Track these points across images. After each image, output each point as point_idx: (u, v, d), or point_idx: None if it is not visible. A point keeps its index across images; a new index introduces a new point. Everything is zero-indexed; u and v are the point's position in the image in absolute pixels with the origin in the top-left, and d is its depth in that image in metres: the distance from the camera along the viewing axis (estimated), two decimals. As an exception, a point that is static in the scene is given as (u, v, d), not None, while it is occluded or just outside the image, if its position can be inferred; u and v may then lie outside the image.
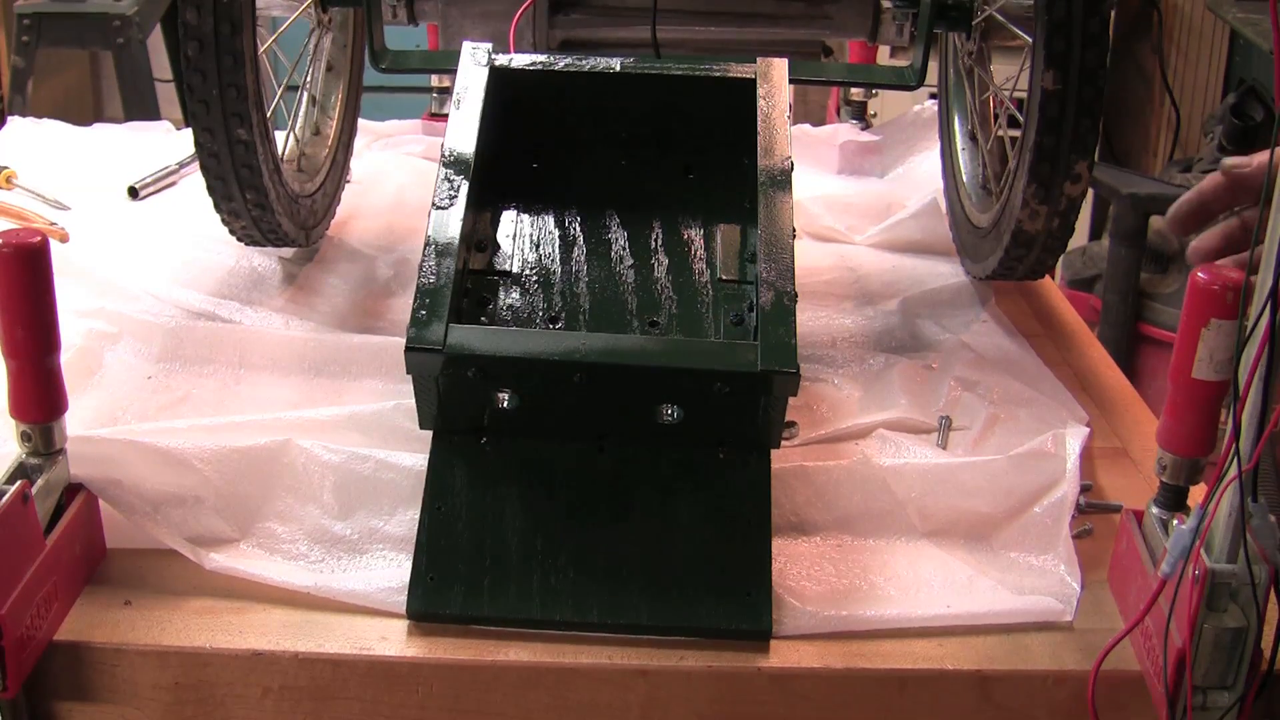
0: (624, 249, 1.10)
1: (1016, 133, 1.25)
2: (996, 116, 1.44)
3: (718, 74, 1.15)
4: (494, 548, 0.92)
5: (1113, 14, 1.15)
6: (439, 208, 1.01)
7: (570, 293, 1.06)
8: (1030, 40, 1.19)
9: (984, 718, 0.89)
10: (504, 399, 0.93)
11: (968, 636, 0.91)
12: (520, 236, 1.11)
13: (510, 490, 0.94)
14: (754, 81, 1.13)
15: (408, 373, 0.93)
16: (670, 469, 0.95)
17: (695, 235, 1.11)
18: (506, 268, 1.08)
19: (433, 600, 0.90)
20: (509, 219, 1.13)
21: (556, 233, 1.12)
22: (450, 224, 0.99)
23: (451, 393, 0.94)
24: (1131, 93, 3.54)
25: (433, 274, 0.95)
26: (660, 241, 1.11)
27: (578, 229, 1.12)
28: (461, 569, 0.91)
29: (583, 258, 1.09)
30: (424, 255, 0.97)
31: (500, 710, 0.89)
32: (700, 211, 1.13)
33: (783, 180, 1.04)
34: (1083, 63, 1.12)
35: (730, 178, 1.13)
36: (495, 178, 1.11)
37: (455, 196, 1.01)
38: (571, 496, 0.94)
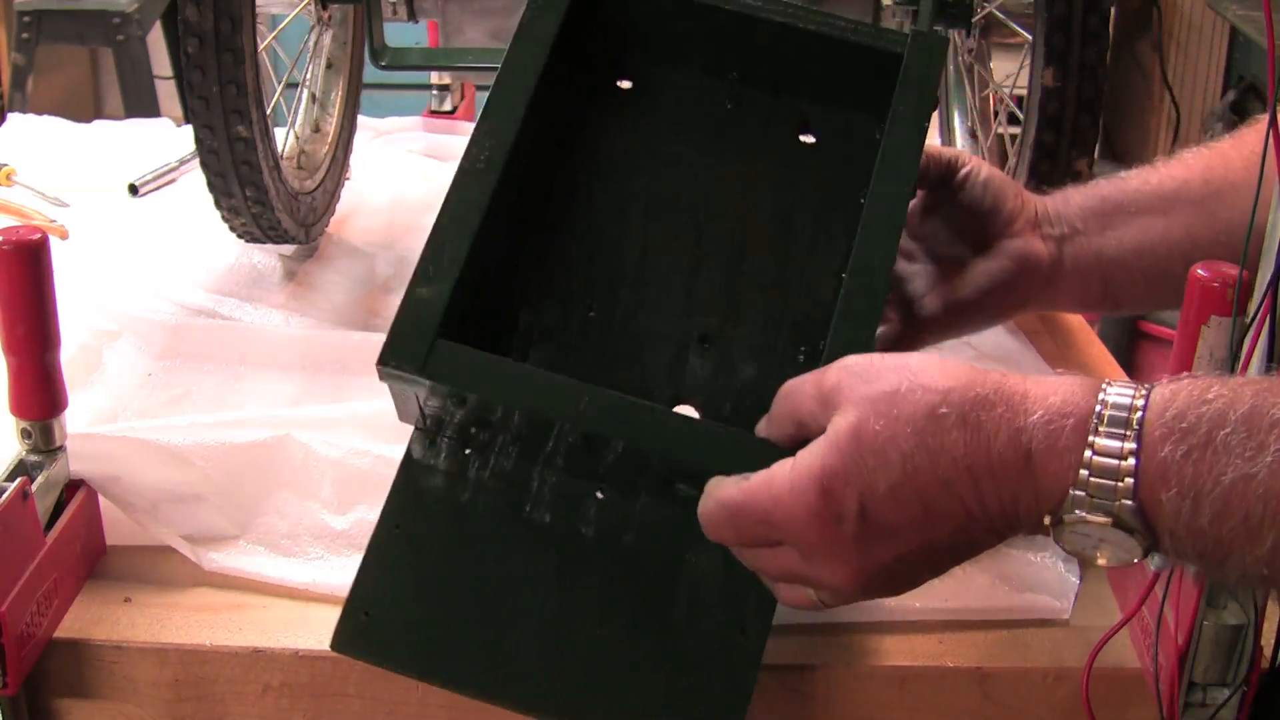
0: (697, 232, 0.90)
1: (1016, 130, 1.25)
2: (996, 114, 1.44)
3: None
4: (446, 597, 0.80)
5: (1113, 11, 1.15)
6: (464, 171, 0.81)
7: (621, 270, 0.88)
8: (1030, 37, 1.19)
9: (983, 714, 0.89)
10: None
11: (967, 633, 0.91)
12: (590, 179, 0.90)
13: (484, 531, 0.81)
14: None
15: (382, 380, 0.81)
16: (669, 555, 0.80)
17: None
18: (556, 225, 0.89)
19: (360, 641, 0.79)
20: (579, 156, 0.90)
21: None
22: (468, 208, 0.80)
23: (433, 405, 0.83)
24: (1131, 90, 3.53)
25: (428, 273, 0.79)
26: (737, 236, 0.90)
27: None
28: (403, 612, 0.80)
29: (639, 217, 0.89)
30: (428, 240, 0.80)
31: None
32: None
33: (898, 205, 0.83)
34: (1082, 59, 1.12)
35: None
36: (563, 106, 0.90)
37: (490, 157, 0.81)
38: (552, 573, 0.80)
